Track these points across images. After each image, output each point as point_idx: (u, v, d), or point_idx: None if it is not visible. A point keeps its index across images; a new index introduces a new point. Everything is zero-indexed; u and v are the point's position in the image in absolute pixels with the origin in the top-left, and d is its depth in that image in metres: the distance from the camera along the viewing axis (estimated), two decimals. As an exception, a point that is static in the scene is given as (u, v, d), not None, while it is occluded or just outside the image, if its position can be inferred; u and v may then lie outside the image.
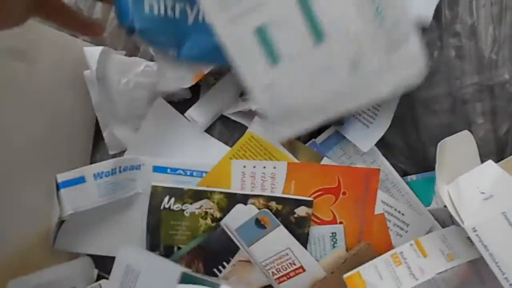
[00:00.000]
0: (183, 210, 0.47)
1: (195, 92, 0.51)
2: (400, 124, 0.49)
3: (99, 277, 0.48)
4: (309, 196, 0.47)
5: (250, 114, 0.50)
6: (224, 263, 0.46)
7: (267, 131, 0.48)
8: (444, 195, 0.42)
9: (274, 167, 0.47)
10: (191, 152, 0.50)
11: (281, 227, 0.46)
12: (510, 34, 0.47)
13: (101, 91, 0.47)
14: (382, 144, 0.48)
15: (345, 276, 0.42)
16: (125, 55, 0.51)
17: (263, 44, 0.37)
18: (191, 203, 0.47)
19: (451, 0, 0.48)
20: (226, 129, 0.51)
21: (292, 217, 0.46)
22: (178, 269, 0.43)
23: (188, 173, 0.49)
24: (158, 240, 0.47)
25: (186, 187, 0.47)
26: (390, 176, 0.49)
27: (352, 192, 0.47)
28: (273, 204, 0.46)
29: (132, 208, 0.48)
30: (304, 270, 0.46)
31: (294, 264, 0.46)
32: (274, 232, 0.46)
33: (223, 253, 0.46)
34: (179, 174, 0.49)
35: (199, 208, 0.47)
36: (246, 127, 0.50)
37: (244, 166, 0.47)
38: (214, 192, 0.46)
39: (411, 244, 0.42)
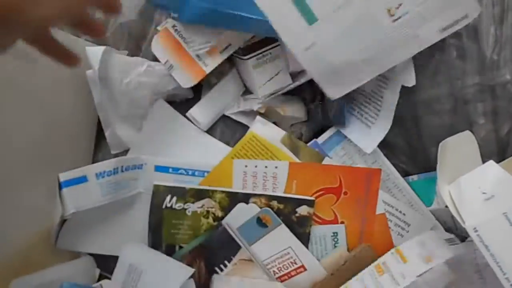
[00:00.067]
0: (185, 209, 0.47)
1: (197, 92, 0.51)
2: (401, 124, 0.49)
3: (101, 277, 0.48)
4: (311, 196, 0.47)
5: (252, 114, 0.50)
6: (226, 262, 0.46)
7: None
8: (445, 195, 0.42)
9: (276, 167, 0.47)
10: (192, 152, 0.50)
11: (283, 226, 0.46)
12: (511, 34, 0.47)
13: (103, 90, 0.47)
14: (384, 144, 0.48)
15: None
16: (127, 55, 0.51)
17: (300, 5, 0.39)
18: (193, 202, 0.47)
19: (452, 0, 0.48)
20: (228, 129, 0.51)
21: (293, 216, 0.46)
22: (181, 268, 0.44)
23: (190, 172, 0.49)
24: (160, 239, 0.47)
25: (188, 186, 0.47)
26: (391, 176, 0.50)
27: (353, 192, 0.47)
28: (274, 203, 0.46)
29: (134, 207, 0.48)
30: (305, 269, 0.46)
31: (295, 263, 0.46)
32: (275, 231, 0.46)
33: (225, 252, 0.46)
34: (181, 173, 0.49)
35: (201, 207, 0.47)
36: (248, 127, 0.50)
37: (246, 166, 0.47)
38: (216, 191, 0.47)
39: (392, 253, 0.43)
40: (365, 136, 0.47)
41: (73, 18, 0.32)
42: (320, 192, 0.47)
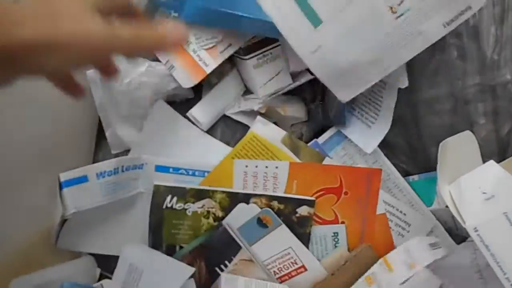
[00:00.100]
0: (185, 209, 0.47)
1: (197, 92, 0.51)
2: (402, 125, 0.49)
3: (101, 276, 0.48)
4: (311, 196, 0.47)
5: (252, 114, 0.50)
6: (226, 262, 0.46)
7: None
8: (446, 195, 0.42)
9: (276, 167, 0.47)
10: (193, 152, 0.50)
11: (283, 226, 0.46)
12: (512, 34, 0.47)
13: (103, 90, 0.47)
14: (384, 144, 0.48)
15: None
16: (128, 54, 0.51)
17: (305, 9, 0.39)
18: (193, 202, 0.47)
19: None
20: (228, 129, 0.51)
21: (294, 216, 0.46)
22: (181, 268, 0.44)
23: (190, 172, 0.49)
24: (160, 239, 0.47)
25: (188, 186, 0.47)
26: (392, 176, 0.50)
27: (354, 192, 0.47)
28: (275, 203, 0.46)
29: (134, 207, 0.48)
30: (305, 270, 0.46)
31: (296, 264, 0.46)
32: (276, 231, 0.46)
33: (225, 252, 0.46)
34: (181, 173, 0.49)
35: (201, 207, 0.47)
36: (248, 127, 0.50)
37: (246, 166, 0.47)
38: (216, 191, 0.47)
39: (380, 263, 0.43)
40: (366, 136, 0.47)
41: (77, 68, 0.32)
42: (321, 192, 0.47)
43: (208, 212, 0.47)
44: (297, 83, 0.49)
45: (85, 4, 0.28)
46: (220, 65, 0.48)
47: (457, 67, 0.48)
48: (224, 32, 0.47)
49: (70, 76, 0.34)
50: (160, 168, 0.49)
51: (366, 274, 0.43)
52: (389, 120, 0.46)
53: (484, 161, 0.44)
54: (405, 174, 0.51)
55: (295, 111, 0.50)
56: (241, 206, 0.46)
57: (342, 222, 0.47)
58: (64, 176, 0.43)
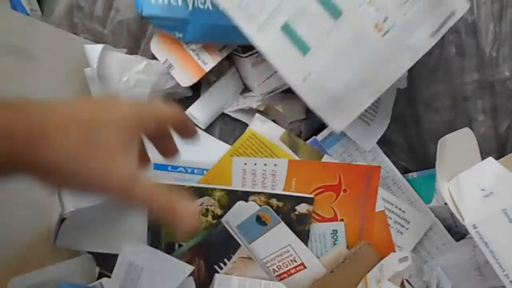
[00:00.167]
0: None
1: (195, 90, 0.51)
2: (400, 122, 0.49)
3: (100, 275, 0.48)
4: (310, 194, 0.47)
5: (251, 112, 0.50)
6: (225, 260, 0.46)
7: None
8: (445, 192, 0.42)
9: (275, 165, 0.47)
10: (191, 150, 0.50)
11: (282, 224, 0.46)
12: (510, 31, 0.47)
13: (102, 89, 0.47)
14: (383, 142, 0.48)
15: None
16: (126, 53, 0.51)
17: (292, 38, 0.39)
18: (192, 200, 0.47)
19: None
20: (227, 126, 0.51)
21: (293, 214, 0.46)
22: (180, 266, 0.44)
23: (189, 170, 0.49)
24: (159, 238, 0.47)
25: (187, 184, 0.47)
26: (391, 173, 0.50)
27: (353, 189, 0.47)
28: (274, 201, 0.46)
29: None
30: (305, 267, 0.46)
31: (295, 261, 0.46)
32: (275, 229, 0.46)
33: (224, 250, 0.46)
34: (180, 171, 0.49)
35: (200, 205, 0.47)
36: (247, 125, 0.50)
37: (245, 164, 0.47)
38: (215, 189, 0.46)
39: (361, 283, 0.44)
40: (364, 133, 0.47)
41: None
42: (320, 190, 0.47)
43: (207, 210, 0.47)
44: (296, 81, 0.49)
45: (123, 140, 0.28)
46: (219, 63, 0.48)
47: (456, 64, 0.48)
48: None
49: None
50: (158, 166, 0.49)
51: None
52: (387, 117, 0.46)
53: (483, 158, 0.44)
54: (404, 171, 0.51)
55: (293, 108, 0.50)
56: (240, 204, 0.46)
57: (341, 220, 0.47)
58: (62, 175, 0.43)
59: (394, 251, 0.47)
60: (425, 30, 0.38)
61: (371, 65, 0.39)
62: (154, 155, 0.49)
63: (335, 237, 0.47)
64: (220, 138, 0.50)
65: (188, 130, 0.35)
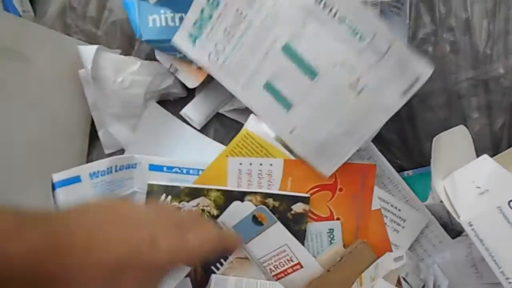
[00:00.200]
0: (180, 208, 0.46)
1: (190, 91, 0.51)
2: (396, 120, 0.49)
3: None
4: (306, 193, 0.47)
5: (246, 112, 0.50)
6: (222, 260, 0.46)
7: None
8: (440, 190, 0.42)
9: (271, 164, 0.47)
10: (186, 151, 0.50)
11: (278, 223, 0.46)
12: (504, 28, 0.47)
13: (96, 90, 0.47)
14: (378, 140, 0.48)
15: None
16: (120, 54, 0.51)
17: (274, 95, 0.42)
18: (187, 201, 0.46)
19: (445, -5, 0.48)
20: (222, 126, 0.51)
21: (289, 213, 0.46)
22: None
23: (184, 171, 0.49)
24: (155, 239, 0.47)
25: (182, 185, 0.47)
26: (386, 171, 0.50)
27: (348, 188, 0.47)
28: (270, 201, 0.46)
29: (129, 207, 0.48)
30: (301, 267, 0.46)
31: (292, 261, 0.46)
32: (271, 228, 0.46)
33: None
34: (175, 172, 0.49)
35: (196, 206, 0.46)
36: (242, 125, 0.50)
37: (241, 164, 0.47)
38: (210, 189, 0.46)
39: (356, 282, 0.44)
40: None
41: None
42: (316, 189, 0.47)
43: (203, 210, 0.47)
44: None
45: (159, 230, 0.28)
46: (213, 63, 0.48)
47: (450, 62, 0.48)
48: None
49: None
50: (154, 167, 0.48)
51: None
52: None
53: (477, 155, 0.44)
54: (400, 169, 0.51)
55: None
56: (236, 204, 0.46)
57: (337, 219, 0.47)
58: (57, 177, 0.43)
59: (391, 250, 0.47)
60: (395, 90, 0.40)
61: (350, 119, 0.42)
62: (153, 157, 0.49)
63: (331, 236, 0.47)
64: (215, 138, 0.50)
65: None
